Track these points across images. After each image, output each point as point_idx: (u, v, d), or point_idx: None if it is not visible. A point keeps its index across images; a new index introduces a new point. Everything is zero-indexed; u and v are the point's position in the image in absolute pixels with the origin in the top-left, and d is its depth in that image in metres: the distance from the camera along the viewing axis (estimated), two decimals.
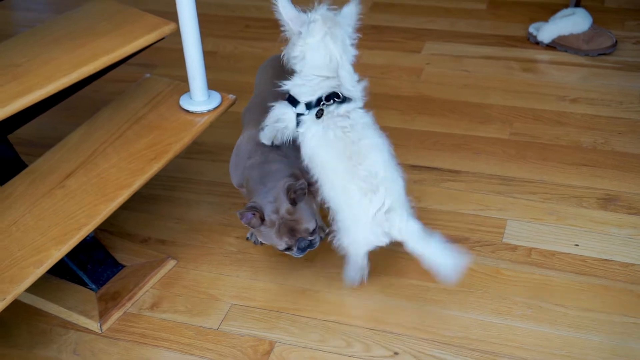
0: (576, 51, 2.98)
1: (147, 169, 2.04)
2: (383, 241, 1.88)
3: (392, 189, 1.84)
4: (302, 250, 1.96)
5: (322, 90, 1.90)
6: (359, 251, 1.94)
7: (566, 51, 3.00)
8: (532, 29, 3.10)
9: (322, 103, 1.89)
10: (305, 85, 1.91)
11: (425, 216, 2.24)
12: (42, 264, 1.82)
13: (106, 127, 2.19)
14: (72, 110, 2.70)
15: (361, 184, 1.82)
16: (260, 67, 2.37)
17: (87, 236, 2.11)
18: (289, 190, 1.90)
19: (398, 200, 1.85)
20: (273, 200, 1.91)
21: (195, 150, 2.61)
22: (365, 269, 2.01)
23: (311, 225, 1.94)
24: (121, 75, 2.86)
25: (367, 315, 1.99)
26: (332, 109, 1.89)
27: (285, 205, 1.91)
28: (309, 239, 1.96)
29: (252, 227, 1.93)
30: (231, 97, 2.26)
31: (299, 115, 1.92)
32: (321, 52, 1.89)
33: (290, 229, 1.92)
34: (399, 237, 1.85)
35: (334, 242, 1.92)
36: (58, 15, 2.32)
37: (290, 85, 1.93)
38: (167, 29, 2.17)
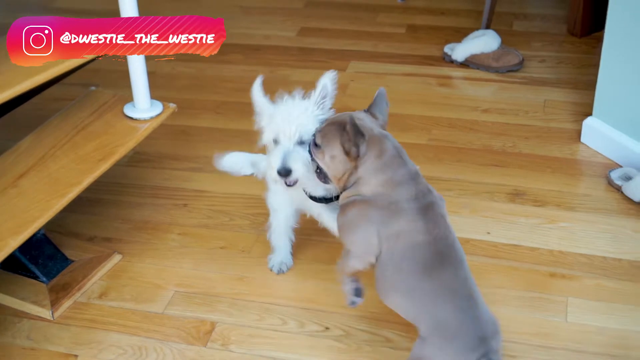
0: (487, 68, 3.22)
1: (95, 168, 2.19)
2: None
3: None
4: None
5: None
6: None
7: (478, 68, 3.23)
8: (447, 49, 3.33)
9: None
10: None
11: None
12: None
13: (55, 134, 2.34)
14: (15, 127, 2.82)
15: None
16: None
17: (38, 233, 2.26)
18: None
19: None
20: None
21: (137, 159, 2.77)
22: None
23: None
24: (62, 94, 3.02)
25: (300, 297, 2.17)
26: None
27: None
28: None
29: None
30: (172, 105, 2.42)
31: None
32: None
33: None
34: None
35: None
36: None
37: None
38: None
